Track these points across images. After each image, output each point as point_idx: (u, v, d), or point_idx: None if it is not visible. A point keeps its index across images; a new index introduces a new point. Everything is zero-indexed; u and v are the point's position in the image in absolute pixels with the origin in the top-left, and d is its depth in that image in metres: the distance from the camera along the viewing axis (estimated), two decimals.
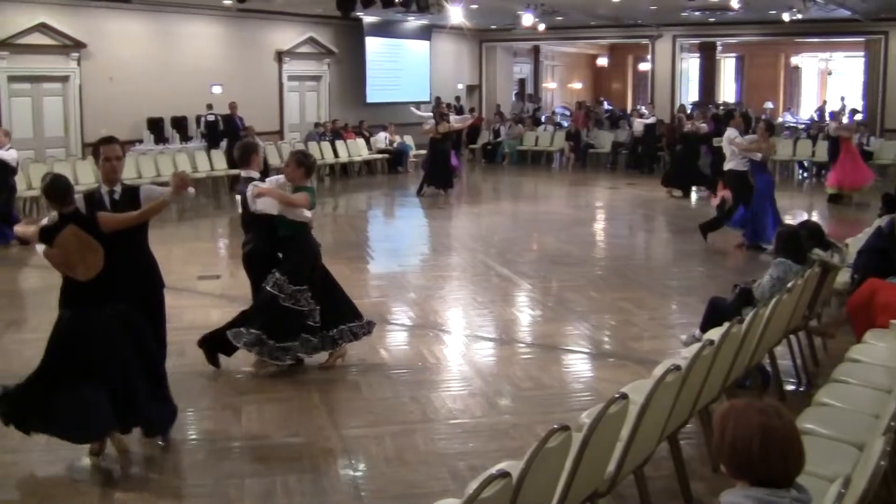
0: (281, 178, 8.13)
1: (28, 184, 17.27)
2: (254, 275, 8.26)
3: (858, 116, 26.32)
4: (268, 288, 7.91)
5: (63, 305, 6.31)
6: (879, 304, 7.70)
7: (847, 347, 7.01)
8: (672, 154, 22.42)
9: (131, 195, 6.87)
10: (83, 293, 6.21)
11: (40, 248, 6.25)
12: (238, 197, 8.33)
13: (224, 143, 22.12)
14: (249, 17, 24.37)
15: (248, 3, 17.70)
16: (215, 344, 8.21)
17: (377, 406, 7.41)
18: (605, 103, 36.15)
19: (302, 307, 7.96)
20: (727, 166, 14.51)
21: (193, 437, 6.91)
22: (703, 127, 21.27)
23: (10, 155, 14.79)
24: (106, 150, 6.97)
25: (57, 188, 6.17)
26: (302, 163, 8.03)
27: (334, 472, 6.18)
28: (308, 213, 8.09)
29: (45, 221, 6.31)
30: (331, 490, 5.88)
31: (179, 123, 22.86)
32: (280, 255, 8.16)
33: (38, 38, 20.13)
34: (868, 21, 27.00)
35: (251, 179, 8.08)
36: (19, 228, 6.91)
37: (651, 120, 25.94)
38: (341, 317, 8.29)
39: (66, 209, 6.16)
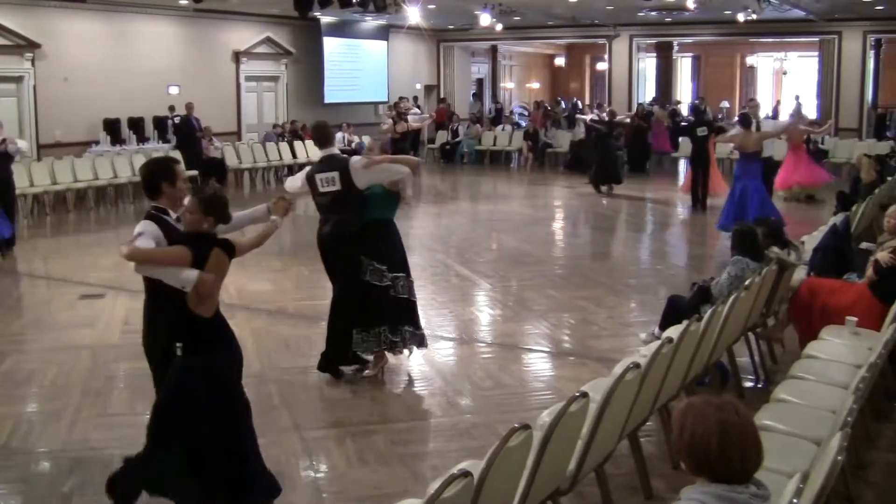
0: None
1: None
2: (337, 258, 8.04)
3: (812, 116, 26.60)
4: (371, 281, 7.79)
5: (189, 352, 5.14)
6: (819, 305, 7.80)
7: (803, 345, 7.09)
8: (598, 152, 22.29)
9: None
10: (214, 333, 5.29)
11: (189, 274, 5.04)
12: (320, 178, 7.83)
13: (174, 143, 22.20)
14: (206, 16, 24.21)
15: (204, 3, 17.57)
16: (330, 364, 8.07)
17: (338, 407, 7.39)
18: (563, 102, 36.23)
19: (402, 295, 7.92)
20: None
21: None
22: (626, 119, 21.50)
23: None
24: (181, 171, 5.72)
25: (222, 204, 5.33)
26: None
27: (296, 473, 6.15)
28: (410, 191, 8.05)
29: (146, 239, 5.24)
30: (292, 492, 5.84)
31: (136, 124, 22.63)
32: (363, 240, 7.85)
33: None
34: (822, 21, 27.32)
35: (333, 157, 7.94)
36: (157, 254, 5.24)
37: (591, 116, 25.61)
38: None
39: (213, 229, 5.32)
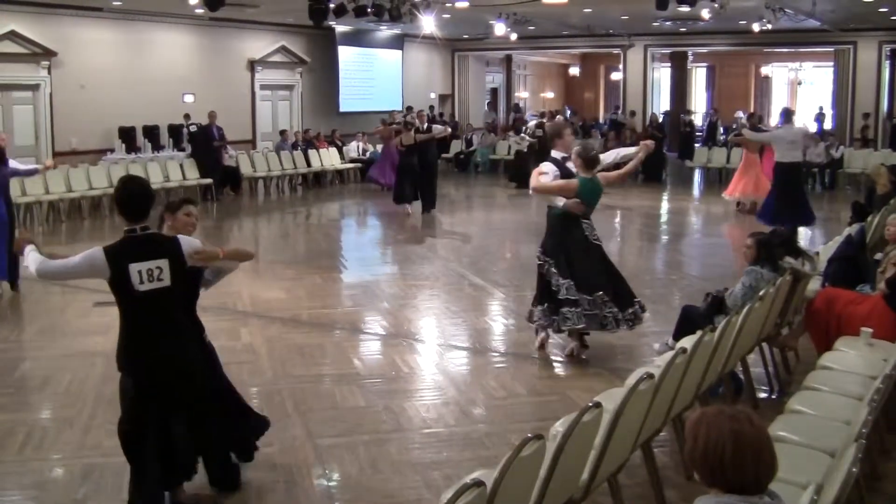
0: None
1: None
2: None
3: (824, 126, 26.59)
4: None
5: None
6: (836, 315, 7.77)
7: (820, 355, 7.06)
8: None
9: None
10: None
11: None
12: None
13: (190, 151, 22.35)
14: (221, 25, 24.31)
15: (219, 12, 17.61)
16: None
17: (351, 415, 7.39)
18: (569, 111, 36.24)
19: (547, 277, 8.80)
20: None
21: None
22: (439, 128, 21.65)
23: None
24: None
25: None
26: (580, 155, 8.60)
27: (308, 482, 6.15)
28: (559, 202, 8.64)
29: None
30: (305, 500, 5.85)
31: (151, 132, 22.72)
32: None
33: (8, 47, 19.98)
34: (836, 31, 27.26)
35: (555, 160, 8.83)
36: None
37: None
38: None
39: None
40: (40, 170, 13.16)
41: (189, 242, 5.52)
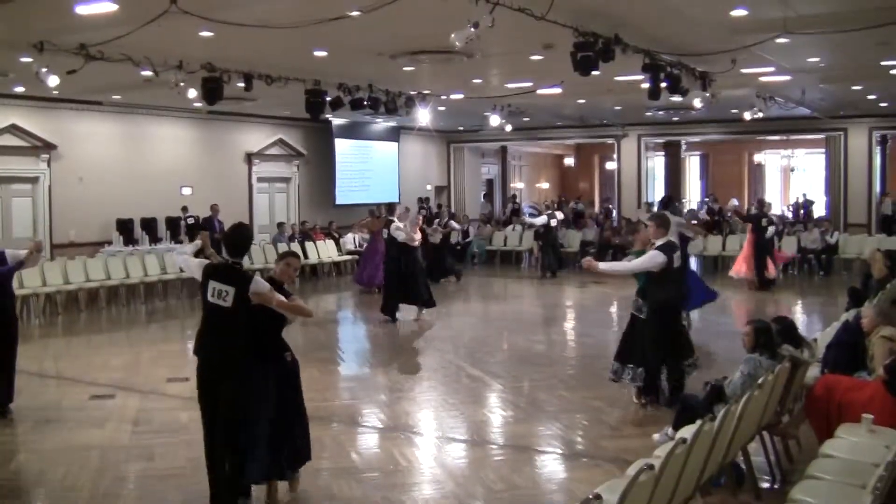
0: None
1: None
2: None
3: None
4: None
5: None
6: (836, 402, 7.73)
7: (821, 442, 7.01)
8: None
9: None
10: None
11: None
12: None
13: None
14: (219, 119, 24.61)
15: (217, 106, 17.84)
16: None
17: None
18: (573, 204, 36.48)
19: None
20: None
21: None
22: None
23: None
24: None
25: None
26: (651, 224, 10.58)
27: None
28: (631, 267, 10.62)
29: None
30: None
31: (149, 225, 22.86)
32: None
33: (8, 140, 20.22)
34: (827, 118, 27.58)
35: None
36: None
37: (541, 220, 25.55)
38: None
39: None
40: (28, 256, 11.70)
41: (257, 284, 7.04)
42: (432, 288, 18.32)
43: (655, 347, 10.30)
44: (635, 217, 24.98)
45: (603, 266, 10.70)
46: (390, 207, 18.33)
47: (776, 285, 21.63)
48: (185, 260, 7.79)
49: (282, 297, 7.14)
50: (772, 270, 21.45)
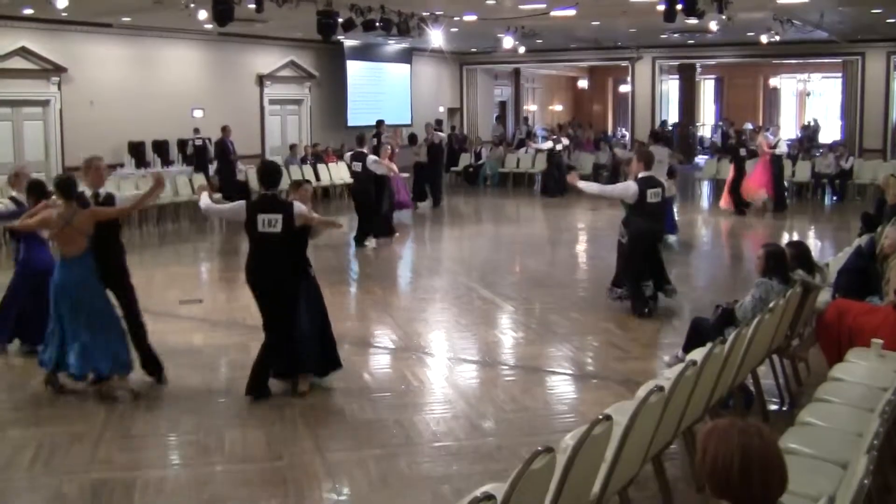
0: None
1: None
2: None
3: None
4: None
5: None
6: (846, 327, 7.74)
7: (831, 366, 7.03)
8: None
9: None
10: None
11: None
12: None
13: (214, 167, 22.24)
14: (230, 41, 24.39)
15: (228, 28, 17.65)
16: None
17: (360, 430, 7.39)
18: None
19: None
20: None
21: (175, 461, 6.87)
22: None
23: None
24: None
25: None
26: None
27: (318, 496, 6.15)
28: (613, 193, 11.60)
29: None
30: None
31: (161, 147, 22.83)
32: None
33: (18, 63, 20.11)
34: (845, 42, 27.25)
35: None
36: None
37: (547, 145, 26.33)
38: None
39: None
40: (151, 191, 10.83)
41: (299, 208, 8.03)
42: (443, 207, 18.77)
43: (629, 270, 11.25)
44: (626, 157, 24.78)
45: (581, 184, 11.52)
46: (360, 139, 17.78)
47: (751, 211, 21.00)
48: (217, 210, 8.97)
49: (317, 215, 8.37)
50: (754, 195, 21.03)
